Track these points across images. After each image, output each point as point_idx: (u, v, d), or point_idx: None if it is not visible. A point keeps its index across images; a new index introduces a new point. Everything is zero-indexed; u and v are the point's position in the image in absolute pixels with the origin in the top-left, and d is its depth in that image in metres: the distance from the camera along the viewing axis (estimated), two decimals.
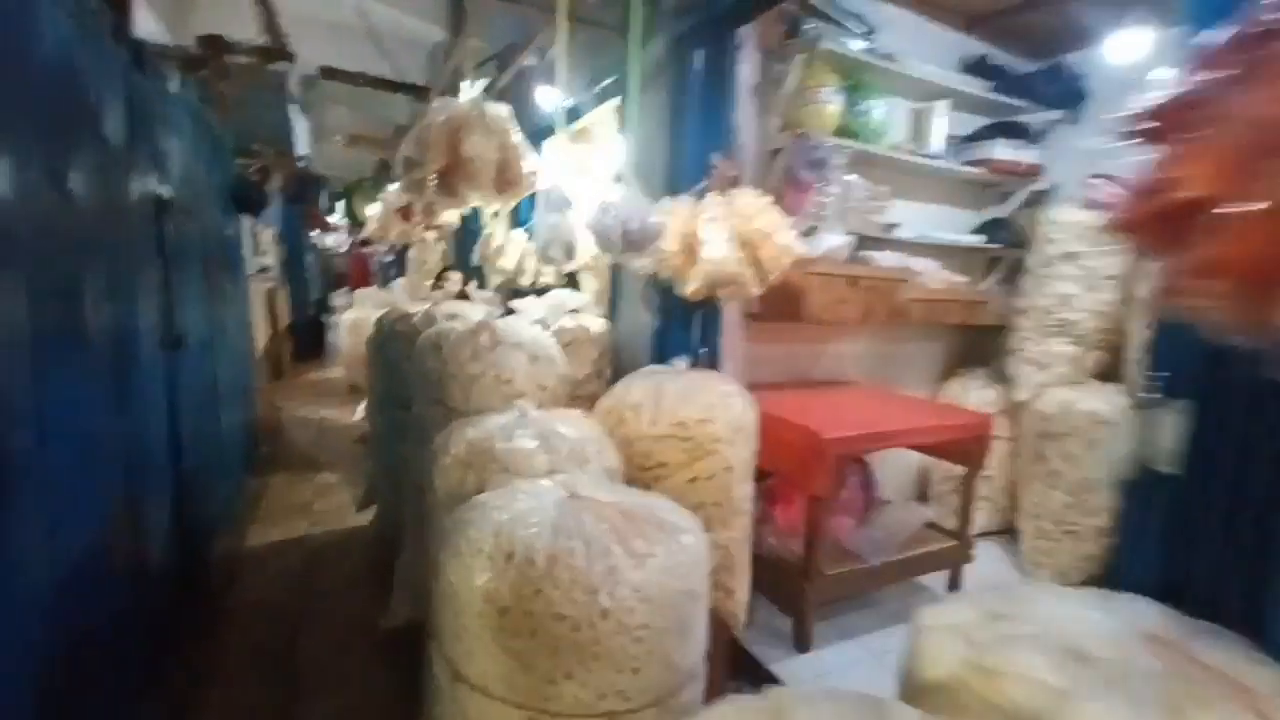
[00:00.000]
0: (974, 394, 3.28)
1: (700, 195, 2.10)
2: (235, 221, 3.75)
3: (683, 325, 2.31)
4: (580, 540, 0.94)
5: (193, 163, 2.73)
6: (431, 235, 5.63)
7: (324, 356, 7.63)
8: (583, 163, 4.02)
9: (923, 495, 3.61)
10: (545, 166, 2.84)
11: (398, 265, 9.80)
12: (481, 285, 6.09)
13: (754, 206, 2.03)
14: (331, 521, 3.04)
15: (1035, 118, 3.07)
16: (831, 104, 2.33)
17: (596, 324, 2.56)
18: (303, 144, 7.90)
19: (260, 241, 6.99)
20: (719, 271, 1.96)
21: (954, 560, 2.61)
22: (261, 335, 4.91)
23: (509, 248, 4.04)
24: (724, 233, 2.01)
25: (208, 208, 3.06)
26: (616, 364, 2.66)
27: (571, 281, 4.42)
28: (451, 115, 2.29)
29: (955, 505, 3.42)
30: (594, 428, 1.53)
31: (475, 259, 4.42)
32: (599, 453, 1.43)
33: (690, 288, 2.07)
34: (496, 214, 4.79)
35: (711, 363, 2.31)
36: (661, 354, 2.38)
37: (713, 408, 1.64)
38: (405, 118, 7.74)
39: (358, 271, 10.50)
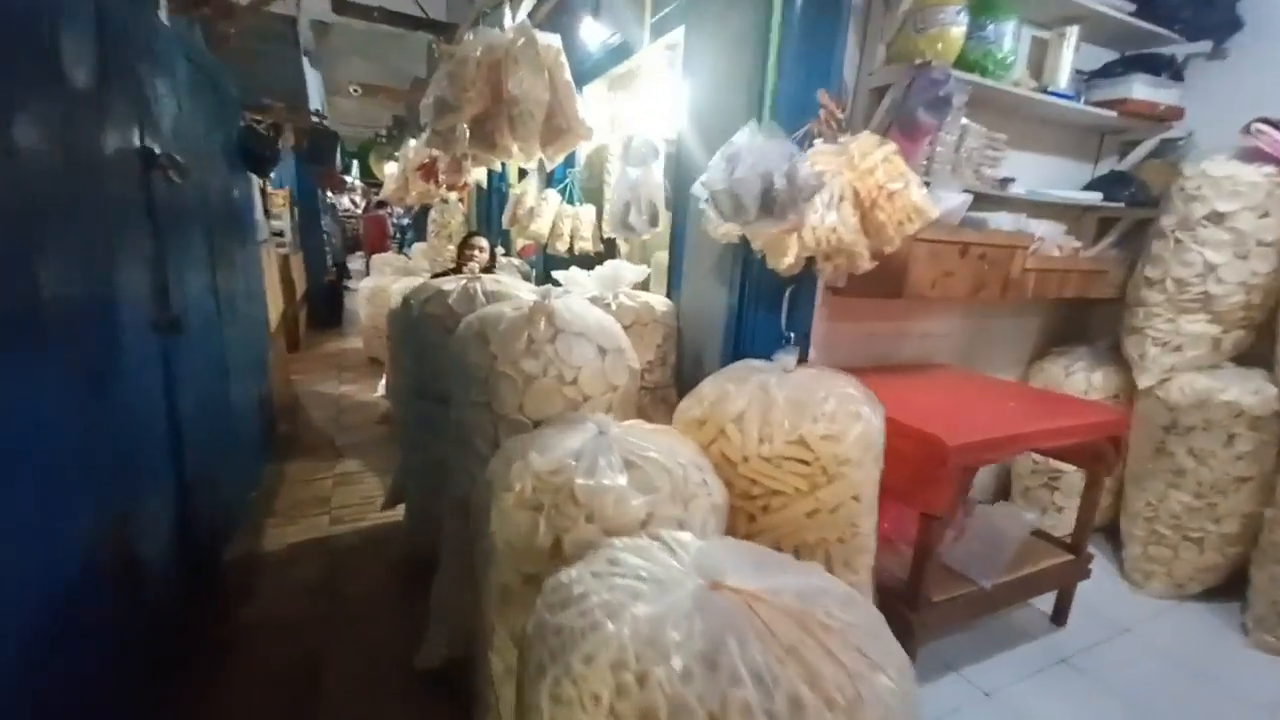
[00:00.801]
0: (1076, 377, 2.86)
1: (803, 143, 1.68)
2: (245, 181, 3.38)
3: (768, 305, 1.93)
4: (751, 680, 0.59)
5: (190, 112, 2.35)
6: (453, 196, 5.24)
7: (342, 325, 7.33)
8: (620, 114, 3.58)
9: (1004, 491, 3.24)
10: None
11: (416, 228, 9.41)
12: (507, 252, 5.70)
13: (874, 155, 1.61)
14: (354, 517, 2.75)
15: (1178, 49, 2.56)
16: (956, 26, 1.87)
17: (661, 303, 2.17)
18: (316, 98, 7.46)
19: (273, 204, 6.63)
20: (830, 239, 1.56)
21: (1069, 578, 2.25)
22: (276, 305, 4.59)
23: (542, 210, 3.63)
24: (834, 189, 1.60)
25: (211, 165, 2.69)
26: (681, 351, 2.29)
27: (609, 249, 4.02)
28: (492, 47, 1.88)
29: (1047, 503, 3.07)
30: (694, 452, 1.17)
31: (504, 222, 4.03)
32: (706, 487, 1.08)
33: (787, 260, 1.67)
34: (527, 172, 4.37)
35: (802, 353, 1.93)
36: (739, 340, 2.01)
37: (838, 419, 1.28)
38: (422, 69, 7.24)
39: (374, 235, 10.13)
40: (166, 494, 1.90)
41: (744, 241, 1.86)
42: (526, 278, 4.42)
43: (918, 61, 1.90)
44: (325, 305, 7.24)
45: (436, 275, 3.40)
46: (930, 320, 2.70)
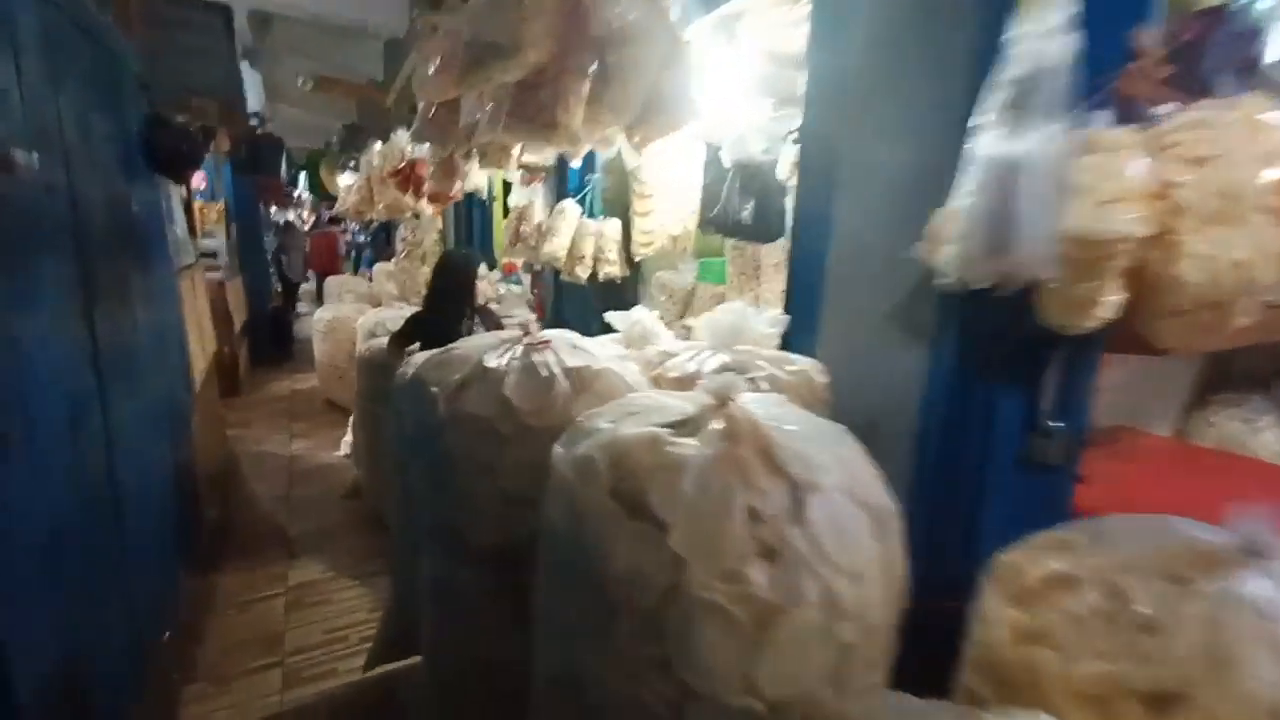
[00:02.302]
0: (1266, 435, 2.25)
1: (1102, 117, 0.99)
2: (151, 189, 2.48)
3: (1007, 375, 1.20)
4: None
5: (51, 95, 1.50)
6: (429, 210, 4.39)
7: (292, 357, 6.31)
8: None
9: None
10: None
11: (375, 247, 8.43)
12: (492, 267, 4.88)
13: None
14: (322, 670, 1.89)
15: None
16: None
17: (816, 370, 1.42)
18: (255, 99, 6.48)
19: (204, 220, 5.62)
20: (1229, 276, 0.85)
21: None
22: (206, 343, 3.65)
23: (559, 226, 2.85)
24: (1211, 186, 0.90)
25: (95, 167, 1.82)
26: None
27: (634, 272, 3.26)
28: None
29: None
30: None
31: (505, 242, 3.24)
32: None
33: (1098, 314, 0.95)
34: (510, 184, 3.53)
35: (1071, 449, 1.21)
36: (946, 434, 1.28)
37: None
38: (379, 71, 6.37)
39: (323, 255, 8.93)
40: None
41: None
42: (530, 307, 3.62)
43: (1210, 4, 1.22)
44: (271, 336, 6.21)
45: (422, 315, 2.57)
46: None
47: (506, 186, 4.78)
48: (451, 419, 1.21)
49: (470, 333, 2.54)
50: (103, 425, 1.66)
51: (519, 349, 1.30)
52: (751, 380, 1.25)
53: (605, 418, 0.87)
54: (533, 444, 1.11)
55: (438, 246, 4.86)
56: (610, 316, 2.08)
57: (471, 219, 4.73)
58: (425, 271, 4.77)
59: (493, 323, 2.63)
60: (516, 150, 2.15)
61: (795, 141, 1.97)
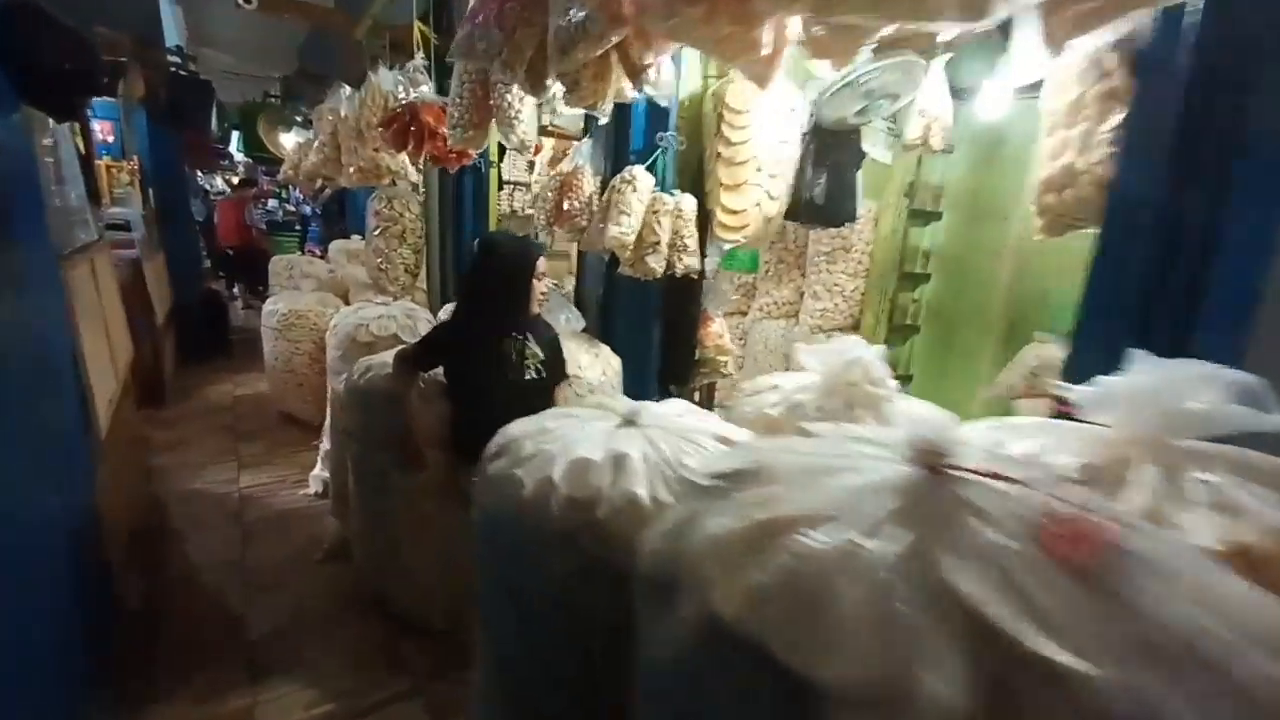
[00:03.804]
0: None
1: None
2: (18, 129, 1.57)
3: None
4: None
5: None
6: (415, 179, 3.52)
7: (230, 353, 5.26)
8: None
9: None
10: None
11: (326, 220, 7.31)
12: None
13: None
14: None
15: None
16: None
17: None
18: (175, 35, 5.30)
19: (113, 181, 4.51)
20: None
21: None
22: (120, 345, 2.72)
23: (628, 200, 2.08)
24: None
25: None
26: None
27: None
28: None
29: None
30: None
31: (539, 222, 2.44)
32: None
33: None
34: (505, 149, 2.68)
35: None
36: None
37: None
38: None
39: (230, 224, 7.34)
40: None
41: None
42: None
43: None
44: (204, 326, 5.14)
45: (455, 326, 1.79)
46: None
47: (501, 151, 3.93)
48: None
49: (521, 359, 1.77)
50: None
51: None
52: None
53: None
54: None
55: (418, 222, 3.96)
56: (801, 352, 1.35)
57: (462, 189, 3.85)
58: (405, 254, 3.88)
59: (552, 347, 1.86)
60: (619, 80, 1.38)
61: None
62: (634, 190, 2.08)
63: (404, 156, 3.22)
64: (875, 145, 3.15)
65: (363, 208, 6.25)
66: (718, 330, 2.64)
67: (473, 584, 1.12)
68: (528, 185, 5.11)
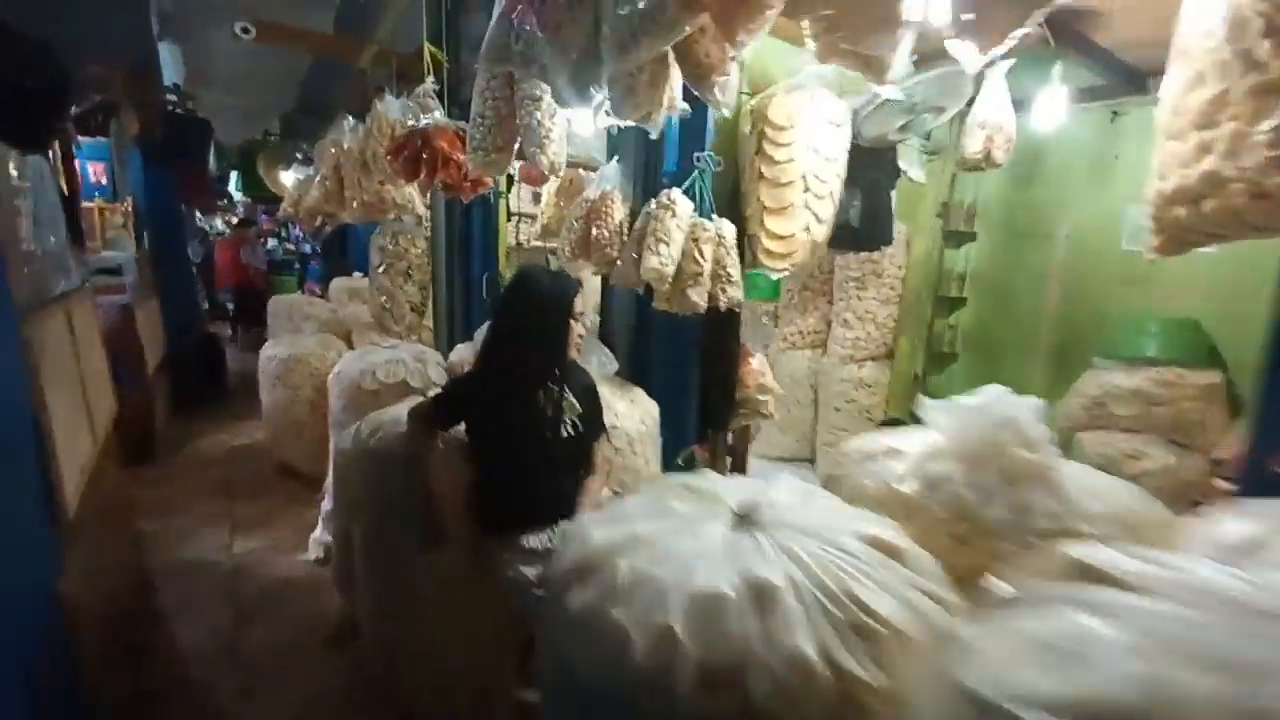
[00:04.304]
0: None
1: None
2: None
3: None
4: None
5: None
6: (422, 212, 3.33)
7: (227, 398, 5.01)
8: None
9: None
10: None
11: (327, 258, 7.12)
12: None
13: None
14: None
15: None
16: None
17: None
18: (171, 72, 5.18)
19: (105, 223, 4.32)
20: None
21: None
22: (101, 402, 2.47)
23: (666, 227, 1.86)
24: None
25: None
26: None
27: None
28: None
29: None
30: None
31: (562, 253, 2.22)
32: None
33: None
34: (513, 178, 2.48)
35: None
36: None
37: None
38: (326, 24, 5.17)
39: (227, 264, 7.08)
40: None
41: None
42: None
43: None
44: (200, 372, 4.90)
45: (482, 376, 1.56)
46: None
47: (509, 180, 3.75)
48: None
49: (557, 412, 1.53)
50: None
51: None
52: None
53: None
54: None
55: (425, 258, 3.75)
56: (928, 410, 1.10)
57: (471, 221, 3.65)
58: (411, 291, 3.66)
59: (589, 397, 1.61)
60: (672, 88, 1.17)
61: None
62: (673, 216, 1.86)
63: (409, 189, 3.04)
64: (911, 163, 2.95)
65: (365, 244, 6.06)
66: (759, 367, 2.40)
67: (499, 674, 0.86)
68: (533, 217, 4.94)
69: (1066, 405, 3.01)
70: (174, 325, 4.72)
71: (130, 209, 4.53)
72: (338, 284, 5.20)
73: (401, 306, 3.64)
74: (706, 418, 2.31)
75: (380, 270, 3.62)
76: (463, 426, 1.55)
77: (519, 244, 4.64)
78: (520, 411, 1.48)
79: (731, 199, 2.22)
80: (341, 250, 6.86)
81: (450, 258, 3.80)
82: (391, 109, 2.69)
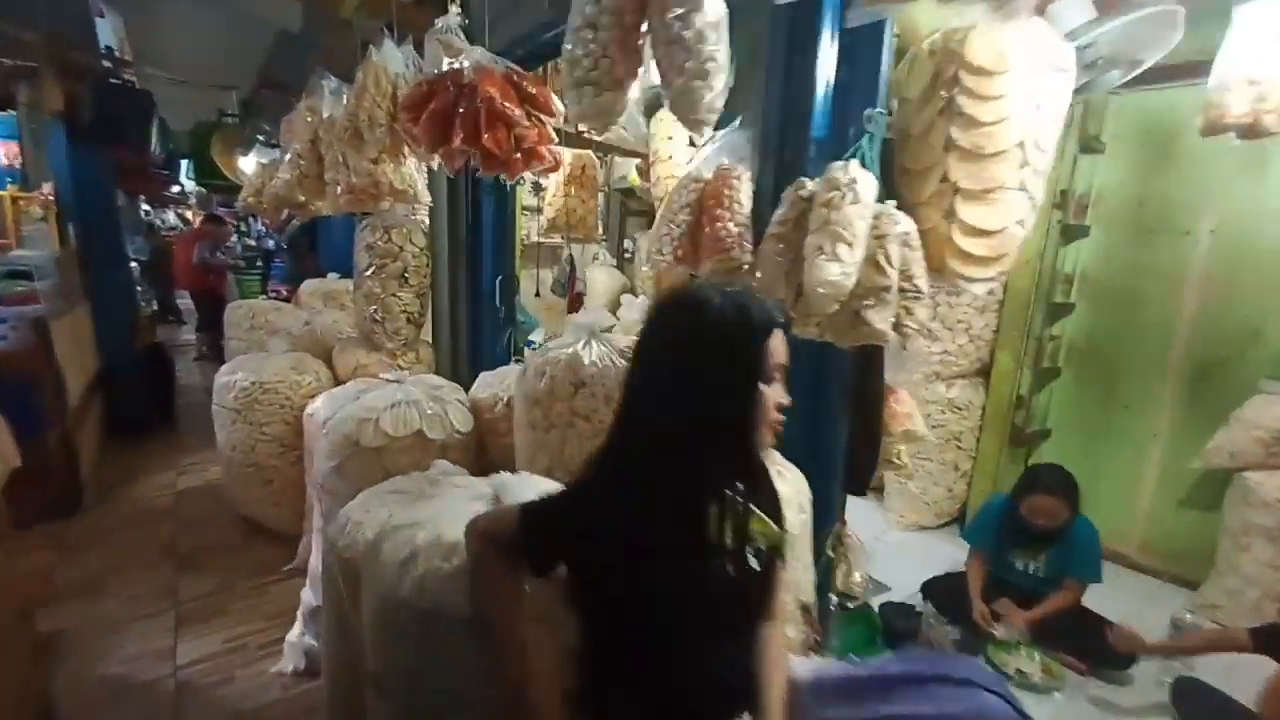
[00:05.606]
0: None
1: None
2: None
3: None
4: None
5: None
6: (428, 199, 2.63)
7: (175, 425, 4.21)
8: None
9: None
10: None
11: (294, 255, 6.27)
12: (514, 292, 3.12)
13: None
14: None
15: None
16: None
17: None
18: (107, 35, 4.34)
19: (15, 219, 3.51)
20: None
21: None
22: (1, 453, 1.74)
23: (846, 217, 1.21)
24: None
25: None
26: None
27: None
28: None
29: None
30: None
31: (659, 253, 1.57)
32: None
33: None
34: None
35: None
36: None
37: None
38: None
39: (188, 269, 6.04)
40: None
41: None
42: None
43: None
44: (143, 392, 4.08)
45: (576, 526, 0.88)
46: None
47: None
48: None
49: (740, 538, 0.87)
50: None
51: None
52: None
53: None
54: None
55: (424, 258, 3.05)
56: None
57: (480, 213, 2.97)
58: (407, 299, 2.95)
59: (774, 504, 0.96)
60: None
61: None
62: (854, 202, 1.22)
63: (410, 169, 2.34)
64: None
65: (339, 240, 5.25)
66: (907, 410, 1.78)
67: None
68: (537, 209, 4.27)
69: (1229, 439, 2.48)
70: (110, 337, 3.90)
71: (51, 198, 3.71)
72: (310, 287, 4.43)
73: (395, 317, 2.93)
74: (849, 476, 1.69)
75: (368, 273, 2.90)
76: (564, 567, 0.89)
77: (522, 241, 3.97)
78: (680, 544, 0.83)
79: (886, 178, 1.59)
80: (311, 246, 6.04)
81: (455, 257, 3.09)
82: (392, 59, 2.00)
